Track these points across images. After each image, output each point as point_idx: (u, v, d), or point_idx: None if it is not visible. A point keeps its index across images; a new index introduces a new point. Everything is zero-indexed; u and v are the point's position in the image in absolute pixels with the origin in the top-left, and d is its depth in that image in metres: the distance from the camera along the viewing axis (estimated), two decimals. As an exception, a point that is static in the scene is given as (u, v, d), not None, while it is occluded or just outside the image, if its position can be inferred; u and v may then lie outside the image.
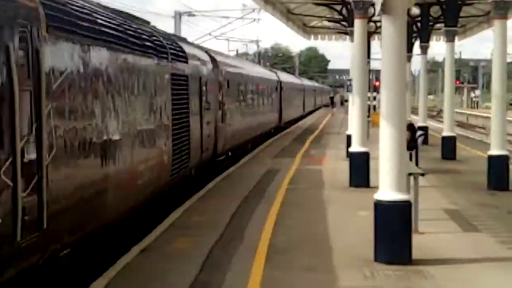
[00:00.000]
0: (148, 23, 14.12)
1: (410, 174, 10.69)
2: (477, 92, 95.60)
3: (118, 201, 9.30)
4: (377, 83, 38.11)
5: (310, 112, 61.26)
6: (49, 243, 6.97)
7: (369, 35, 27.62)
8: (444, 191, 15.47)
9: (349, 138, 20.04)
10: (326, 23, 33.80)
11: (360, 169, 16.00)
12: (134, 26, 11.51)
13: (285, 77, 44.06)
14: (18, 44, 6.24)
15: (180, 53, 14.21)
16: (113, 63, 9.34)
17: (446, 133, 22.57)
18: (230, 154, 21.07)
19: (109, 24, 9.66)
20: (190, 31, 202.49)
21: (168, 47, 13.19)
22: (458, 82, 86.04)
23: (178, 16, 39.43)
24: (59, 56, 7.31)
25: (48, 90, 6.84)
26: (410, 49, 30.39)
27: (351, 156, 16.51)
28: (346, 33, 27.52)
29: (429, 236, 10.70)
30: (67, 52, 7.55)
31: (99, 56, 8.76)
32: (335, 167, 19.92)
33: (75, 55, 7.82)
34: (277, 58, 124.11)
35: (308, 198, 14.41)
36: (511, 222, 12.12)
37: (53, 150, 6.98)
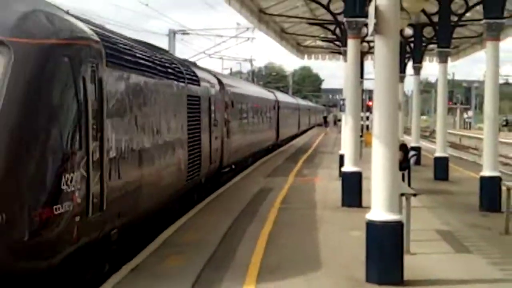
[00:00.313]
0: (167, 51, 16.30)
1: (402, 194, 10.70)
2: (470, 113, 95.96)
3: (148, 197, 11.32)
4: (370, 103, 38.24)
5: (305, 131, 62.37)
6: (106, 222, 9.10)
7: (363, 55, 27.78)
8: (437, 212, 15.48)
9: (341, 157, 20.07)
10: (319, 43, 33.99)
11: (352, 189, 16.01)
12: (159, 56, 13.86)
13: (282, 96, 46.41)
14: (90, 75, 8.40)
15: (194, 77, 16.37)
16: (147, 88, 11.52)
17: (438, 153, 22.62)
18: (233, 167, 23.02)
19: (143, 57, 11.94)
20: (184, 50, 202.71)
21: (184, 72, 15.37)
22: (451, 103, 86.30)
23: (172, 34, 39.54)
24: (113, 83, 9.53)
25: (106, 109, 9.03)
26: (403, 69, 30.55)
27: (343, 175, 16.52)
28: (339, 53, 27.70)
29: (420, 256, 10.69)
30: (117, 80, 9.78)
31: (138, 82, 10.97)
32: (328, 186, 19.91)
33: (123, 82, 10.06)
34: (270, 77, 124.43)
35: (300, 218, 14.39)
36: (503, 243, 12.12)
37: (108, 154, 9.11)
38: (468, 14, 22.54)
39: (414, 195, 11.52)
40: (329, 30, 24.79)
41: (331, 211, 15.40)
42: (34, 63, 7.36)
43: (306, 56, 37.87)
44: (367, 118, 40.54)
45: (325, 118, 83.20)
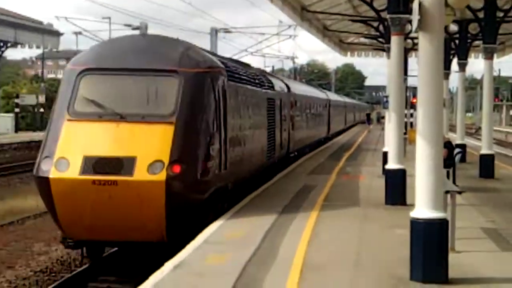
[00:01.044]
0: (249, 65, 21.67)
1: (447, 192, 10.63)
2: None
3: (246, 167, 16.60)
4: (414, 100, 37.91)
5: (350, 127, 67.28)
6: (226, 177, 14.08)
7: (406, 51, 27.57)
8: (482, 210, 15.32)
9: (385, 155, 19.97)
10: (362, 40, 33.86)
11: (396, 187, 15.93)
12: (250, 70, 19.38)
13: (332, 96, 54.64)
14: (221, 87, 13.67)
15: (270, 83, 21.67)
16: (246, 93, 16.78)
17: (484, 151, 22.37)
18: (296, 153, 28.51)
19: (243, 73, 17.27)
20: (226, 48, 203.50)
21: (264, 80, 20.69)
22: (497, 99, 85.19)
23: (214, 32, 39.73)
24: (230, 92, 14.58)
25: (228, 107, 14.24)
26: (448, 66, 30.22)
27: (387, 173, 16.44)
28: (383, 50, 27.52)
29: (466, 255, 10.61)
30: (232, 90, 14.81)
31: (242, 90, 16.30)
32: (371, 184, 19.84)
33: (234, 91, 15.21)
34: (313, 74, 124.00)
35: (343, 215, 14.38)
36: (550, 242, 11.95)
37: (228, 135, 14.20)
38: (514, 10, 22.19)
39: (459, 192, 11.43)
40: (372, 27, 24.66)
41: (375, 208, 15.35)
42: (193, 83, 12.77)
43: (349, 53, 37.76)
44: (411, 115, 40.19)
45: (368, 115, 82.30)
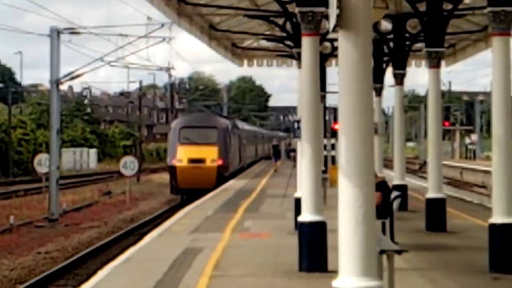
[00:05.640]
0: (224, 115, 77.00)
1: (382, 251, 10.74)
2: (474, 137, 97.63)
3: (234, 166, 61.35)
4: (336, 126, 38.56)
5: (267, 155, 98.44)
6: (231, 168, 58.93)
7: (324, 58, 28.06)
8: (430, 276, 15.59)
9: (298, 202, 20.10)
10: (263, 43, 34.22)
11: (313, 247, 16.03)
12: (232, 120, 70.50)
13: (257, 128, 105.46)
14: (230, 131, 59.64)
15: (237, 125, 69.34)
16: (235, 133, 62.98)
17: (432, 194, 22.82)
18: (245, 166, 69.64)
19: (232, 123, 65.31)
20: (73, 55, 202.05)
21: (235, 124, 68.32)
22: (447, 123, 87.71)
23: (55, 34, 39.34)
24: (232, 133, 60.63)
25: (234, 140, 62.38)
26: (380, 78, 30.87)
27: (301, 228, 16.53)
28: (291, 57, 27.89)
29: None
30: (232, 132, 60.76)
31: (234, 131, 62.51)
32: (280, 244, 19.95)
33: (232, 132, 60.67)
34: (197, 92, 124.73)
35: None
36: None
37: (235, 149, 63.75)
38: (467, 1, 22.90)
39: (399, 252, 11.57)
40: (277, 25, 24.93)
41: (285, 278, 15.41)
42: (222, 131, 55.86)
43: (245, 61, 38.08)
44: (333, 146, 40.86)
45: (275, 147, 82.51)
